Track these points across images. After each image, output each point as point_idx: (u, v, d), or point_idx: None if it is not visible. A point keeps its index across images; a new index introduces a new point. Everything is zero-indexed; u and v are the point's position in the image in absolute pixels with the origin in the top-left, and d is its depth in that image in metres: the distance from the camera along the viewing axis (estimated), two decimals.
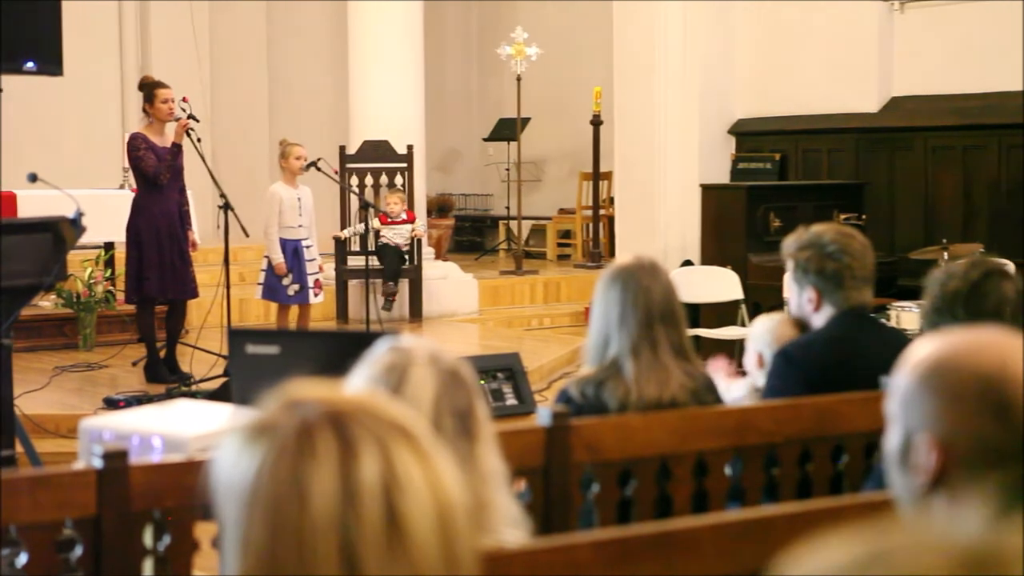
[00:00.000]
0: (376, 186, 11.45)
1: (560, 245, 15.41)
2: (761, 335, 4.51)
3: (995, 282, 2.93)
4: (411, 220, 11.07)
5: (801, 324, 4.20)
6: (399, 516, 1.33)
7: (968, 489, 1.78)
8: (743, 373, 4.56)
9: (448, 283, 11.84)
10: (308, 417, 1.37)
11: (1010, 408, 1.76)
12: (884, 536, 1.09)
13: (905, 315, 8.05)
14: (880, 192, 11.44)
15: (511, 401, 7.46)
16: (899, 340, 4.15)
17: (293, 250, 9.30)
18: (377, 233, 10.95)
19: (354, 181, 11.29)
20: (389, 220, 10.84)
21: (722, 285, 9.95)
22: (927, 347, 1.86)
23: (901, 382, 1.85)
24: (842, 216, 10.40)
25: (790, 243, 4.11)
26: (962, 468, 1.78)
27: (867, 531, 1.11)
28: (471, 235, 16.70)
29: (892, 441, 1.87)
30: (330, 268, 10.66)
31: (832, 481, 3.87)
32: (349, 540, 1.32)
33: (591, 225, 14.20)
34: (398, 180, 11.45)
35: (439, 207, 15.26)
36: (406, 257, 11.07)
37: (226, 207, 8.57)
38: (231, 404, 4.01)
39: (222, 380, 8.05)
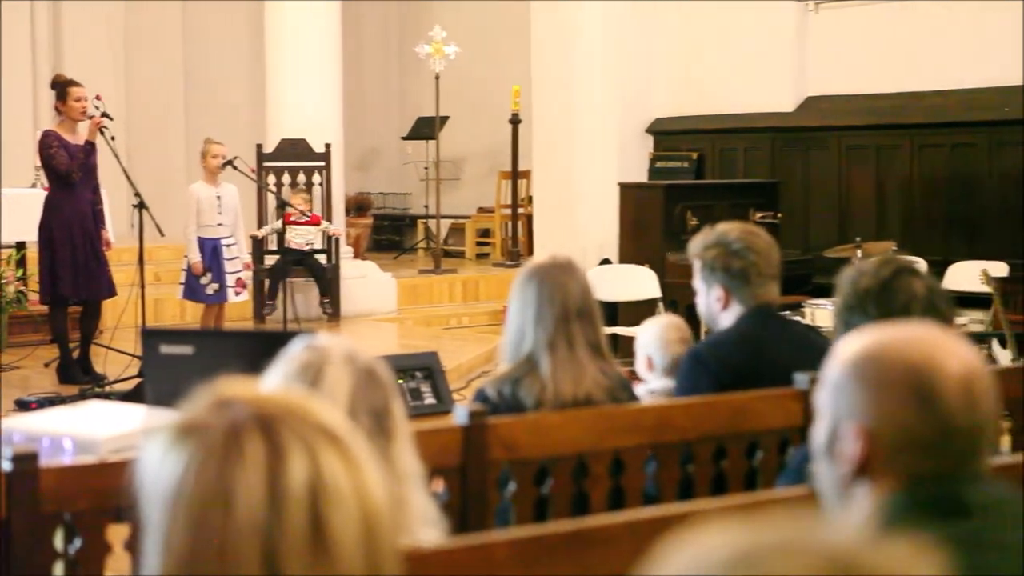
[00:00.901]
0: (294, 184, 11.39)
1: (479, 244, 15.41)
2: (650, 339, 4.55)
3: (905, 280, 2.96)
4: (315, 222, 11.01)
5: (699, 327, 4.24)
6: (324, 522, 1.31)
7: (889, 479, 1.81)
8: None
9: (366, 282, 11.80)
10: (237, 419, 1.35)
11: (935, 399, 1.80)
12: (757, 535, 1.09)
13: (819, 312, 8.14)
14: (795, 191, 11.56)
15: (429, 400, 7.42)
16: (807, 336, 4.20)
17: (212, 249, 9.22)
18: (282, 232, 10.88)
19: (271, 180, 11.22)
20: (292, 221, 10.74)
21: (640, 283, 10.00)
22: (856, 340, 1.89)
23: (830, 373, 1.88)
24: (758, 214, 10.49)
25: (696, 243, 4.13)
26: (886, 457, 1.81)
27: (740, 528, 1.11)
28: (390, 234, 16.66)
29: (820, 431, 1.90)
30: None
31: (746, 477, 3.90)
32: (272, 545, 1.30)
33: (510, 224, 14.21)
34: (316, 179, 11.40)
35: (357, 206, 15.20)
36: (317, 259, 11.03)
37: (140, 206, 8.48)
38: (145, 405, 3.96)
39: (136, 381, 7.95)
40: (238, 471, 1.32)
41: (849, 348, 1.88)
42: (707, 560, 1.09)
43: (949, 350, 1.85)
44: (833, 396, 1.87)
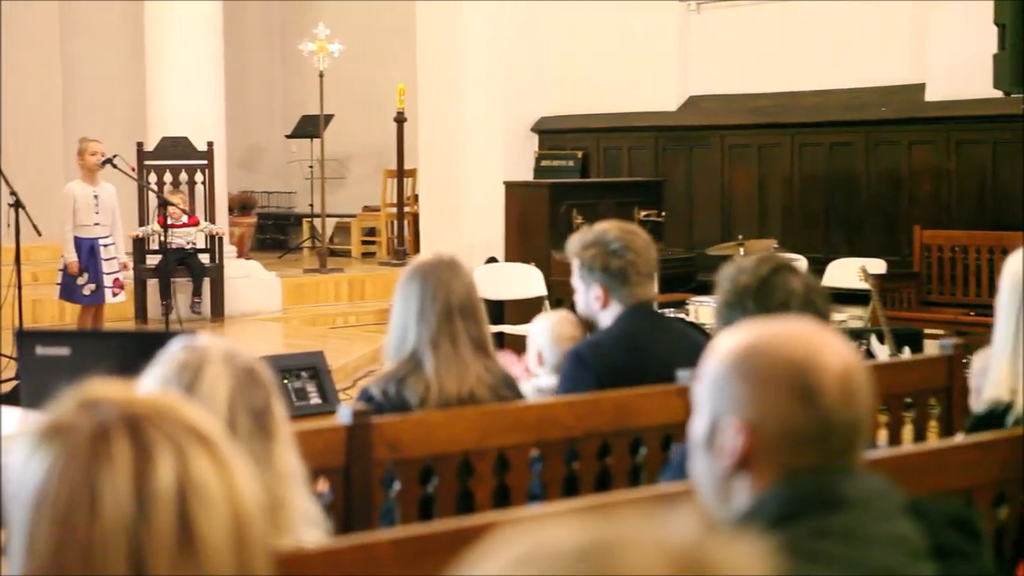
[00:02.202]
0: (176, 183, 11.24)
1: (365, 243, 15.35)
2: (541, 334, 4.57)
3: (783, 277, 3.00)
4: (194, 223, 10.88)
5: (583, 323, 4.26)
6: (192, 523, 1.31)
7: (768, 472, 1.83)
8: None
9: (251, 282, 11.69)
10: (104, 420, 1.34)
11: (816, 393, 1.82)
12: (599, 530, 1.10)
13: (703, 309, 8.22)
14: (679, 189, 11.67)
15: (315, 400, 7.37)
16: (686, 333, 4.24)
17: (89, 249, 9.07)
18: (163, 234, 10.72)
19: (153, 178, 11.06)
20: (169, 222, 10.58)
21: (526, 282, 10.03)
22: (736, 336, 1.91)
23: (711, 368, 1.89)
24: (642, 213, 10.57)
25: (574, 242, 4.16)
26: (766, 451, 1.83)
27: (579, 523, 1.11)
28: (274, 233, 16.52)
29: (699, 426, 1.90)
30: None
31: (631, 474, 3.93)
32: (138, 546, 1.29)
33: (396, 222, 14.17)
34: (198, 177, 11.26)
35: (241, 205, 15.05)
36: (199, 259, 10.90)
37: (17, 205, 8.31)
38: (21, 408, 3.88)
39: (12, 383, 7.79)
40: (104, 472, 1.31)
41: (729, 343, 1.90)
42: (549, 554, 1.09)
43: (828, 346, 1.87)
44: (713, 390, 1.88)
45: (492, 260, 11.11)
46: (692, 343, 3.96)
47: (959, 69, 9.73)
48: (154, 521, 1.30)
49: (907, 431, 4.66)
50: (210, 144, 11.18)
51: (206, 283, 11.05)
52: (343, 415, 3.49)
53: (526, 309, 10.06)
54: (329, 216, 14.25)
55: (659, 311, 4.36)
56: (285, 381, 7.14)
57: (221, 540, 1.31)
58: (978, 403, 3.41)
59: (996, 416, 3.31)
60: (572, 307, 4.48)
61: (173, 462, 1.32)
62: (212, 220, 11.22)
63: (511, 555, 1.10)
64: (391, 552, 2.44)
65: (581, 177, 12.24)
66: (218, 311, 11.06)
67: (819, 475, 1.84)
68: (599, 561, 1.06)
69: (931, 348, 7.54)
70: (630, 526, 1.10)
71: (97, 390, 1.37)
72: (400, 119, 13.76)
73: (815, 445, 1.84)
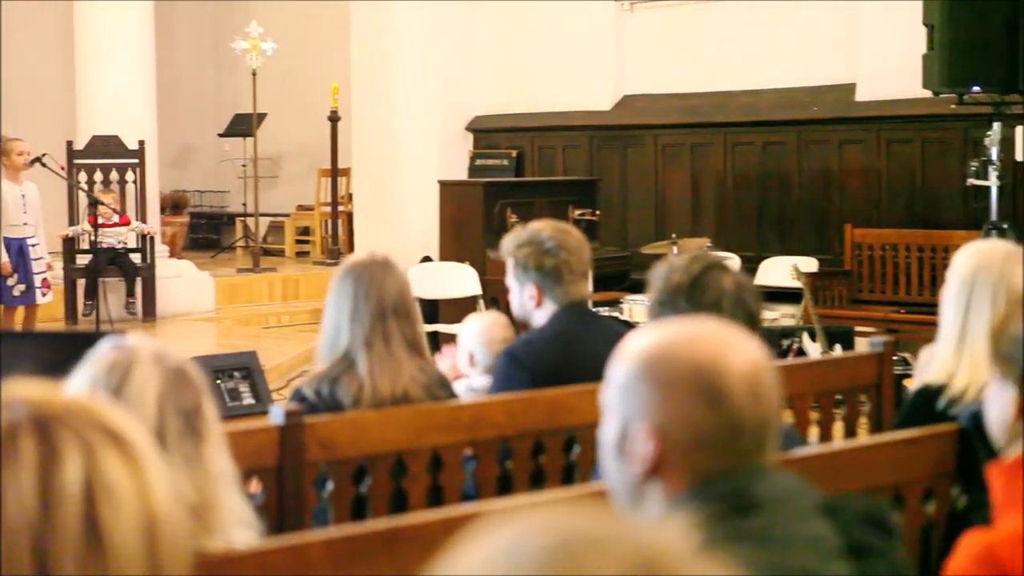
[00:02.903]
0: (106, 182, 11.13)
1: (299, 242, 15.27)
2: (472, 335, 4.58)
3: (715, 275, 3.02)
4: (125, 223, 10.78)
5: (514, 323, 4.27)
6: (99, 523, 1.30)
7: (680, 477, 1.83)
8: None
9: (183, 281, 11.59)
10: (13, 419, 1.32)
11: (723, 396, 1.81)
12: (568, 532, 1.10)
13: (637, 308, 8.26)
14: (613, 188, 11.71)
15: (248, 400, 7.33)
16: (620, 332, 4.25)
17: (18, 249, 8.96)
18: (93, 234, 10.61)
19: (83, 177, 10.94)
20: (99, 222, 10.47)
21: (460, 281, 10.02)
22: (641, 339, 1.89)
23: (618, 373, 1.88)
24: (576, 212, 10.59)
25: (509, 241, 4.16)
26: (677, 456, 1.82)
27: (548, 523, 1.11)
28: (207, 232, 16.39)
29: (608, 431, 1.89)
30: (59, 267, 10.32)
31: (564, 472, 3.94)
32: (43, 545, 1.28)
33: (330, 222, 14.11)
34: (129, 176, 11.16)
35: (173, 204, 14.93)
36: (131, 259, 10.80)
37: None
38: None
39: None
40: (9, 471, 1.30)
41: (635, 347, 1.88)
42: (518, 555, 1.09)
43: (735, 347, 1.86)
44: (622, 396, 1.86)
45: (427, 259, 11.09)
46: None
47: (889, 69, 9.83)
48: (59, 520, 1.29)
49: (837, 428, 4.71)
50: (141, 143, 11.08)
51: (138, 283, 10.94)
52: (275, 415, 3.47)
53: (461, 308, 10.05)
54: (262, 215, 14.17)
55: (593, 310, 4.38)
56: (218, 381, 7.10)
57: (130, 540, 1.31)
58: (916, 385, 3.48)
59: (927, 397, 3.36)
60: (507, 306, 4.49)
61: (81, 461, 1.31)
62: (143, 219, 11.12)
63: (478, 557, 1.10)
64: (323, 553, 2.43)
65: (515, 176, 12.26)
66: (150, 311, 10.96)
67: (731, 478, 1.82)
68: (569, 565, 1.06)
69: (862, 345, 7.62)
70: (594, 528, 1.10)
71: (11, 390, 1.36)
72: (334, 118, 13.70)
73: (725, 447, 1.82)
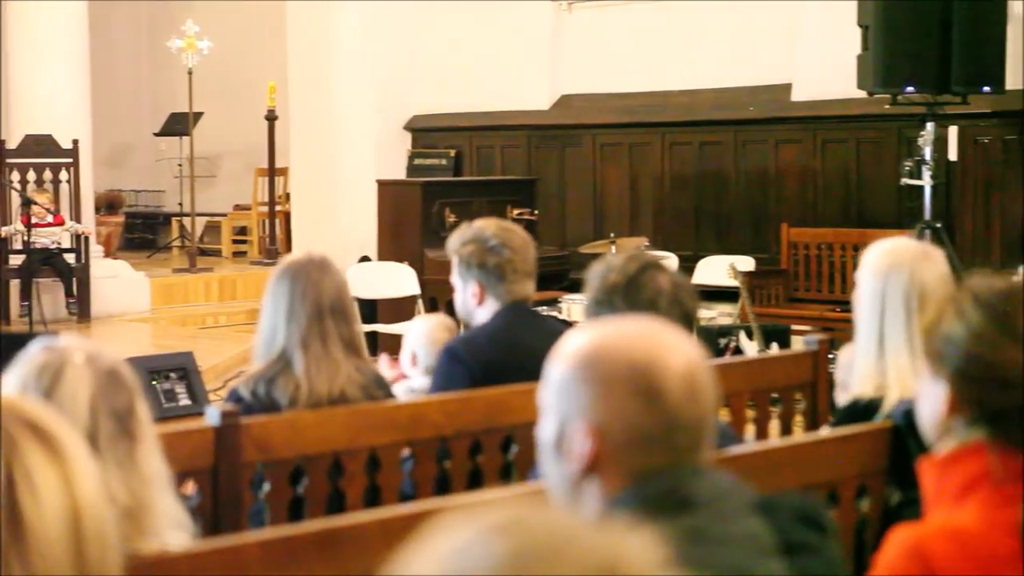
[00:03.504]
0: (40, 182, 11.01)
1: (236, 242, 15.18)
2: (416, 335, 4.59)
3: (651, 275, 3.03)
4: (59, 223, 10.67)
5: (458, 325, 4.27)
6: (21, 514, 1.29)
7: (617, 475, 1.83)
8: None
9: (118, 282, 11.49)
10: None
11: (660, 394, 1.82)
12: (524, 534, 1.10)
13: (575, 307, 8.28)
14: (552, 188, 11.73)
15: (184, 401, 7.29)
16: (560, 331, 4.25)
17: None
18: (26, 234, 10.49)
19: (15, 177, 10.82)
20: (33, 221, 10.34)
21: (399, 281, 10.00)
22: (579, 338, 1.89)
23: (555, 372, 1.88)
24: (515, 211, 10.60)
25: (454, 239, 4.18)
26: (614, 454, 1.82)
27: (503, 525, 1.11)
28: (143, 232, 16.25)
29: (547, 430, 1.89)
30: None
31: (502, 471, 3.94)
32: None
33: (267, 221, 14.04)
34: (63, 175, 11.04)
35: (108, 203, 14.79)
36: (65, 259, 10.69)
37: None
38: None
39: None
40: None
41: (573, 346, 1.88)
42: (476, 557, 1.09)
43: (671, 345, 1.86)
44: (559, 394, 1.86)
45: (365, 259, 11.06)
46: None
47: (824, 70, 9.91)
48: None
49: (773, 426, 4.74)
50: (75, 142, 10.97)
51: (72, 283, 10.84)
52: (211, 416, 3.45)
53: (399, 308, 10.04)
54: (199, 215, 14.07)
55: (534, 309, 4.39)
56: (154, 382, 7.05)
57: (54, 532, 1.31)
58: (843, 397, 3.48)
59: (859, 410, 3.38)
60: (447, 305, 4.49)
61: (3, 452, 1.30)
62: (78, 219, 11.02)
63: (435, 558, 1.10)
64: (258, 554, 2.42)
65: (454, 176, 12.24)
66: (84, 312, 10.86)
67: (667, 476, 1.83)
68: (525, 567, 1.06)
69: (798, 344, 7.67)
70: (550, 530, 1.10)
71: None
72: (271, 117, 13.62)
73: (662, 446, 1.83)
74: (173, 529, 2.42)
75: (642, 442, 1.82)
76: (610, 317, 2.84)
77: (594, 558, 1.08)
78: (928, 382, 2.23)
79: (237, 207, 15.36)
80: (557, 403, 1.86)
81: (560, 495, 1.89)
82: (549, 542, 1.09)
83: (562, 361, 1.87)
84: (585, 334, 1.90)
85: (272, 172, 13.80)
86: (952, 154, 8.88)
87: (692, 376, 1.84)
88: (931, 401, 2.22)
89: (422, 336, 4.60)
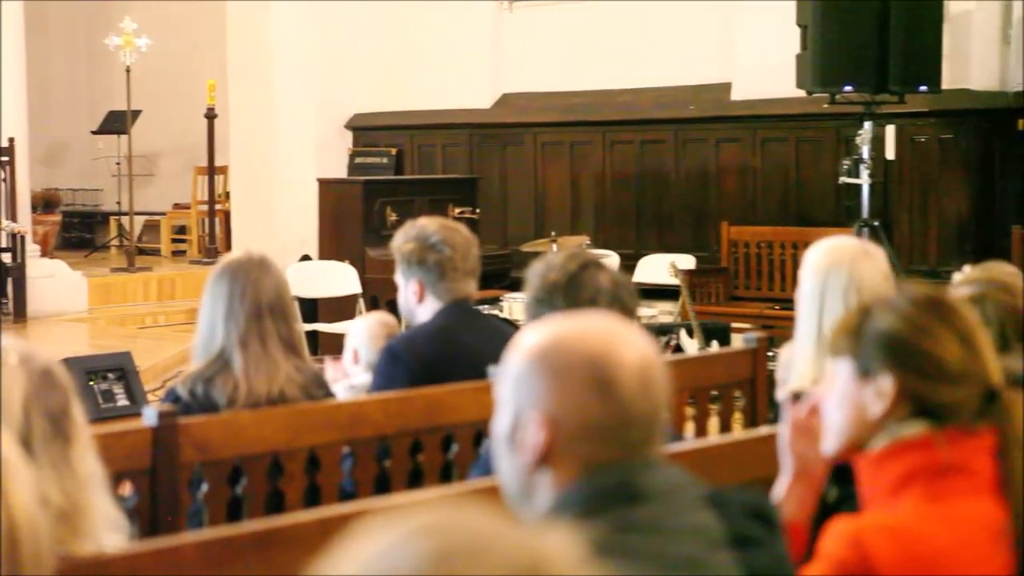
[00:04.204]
0: None
1: (175, 241, 15.07)
2: (358, 332, 4.58)
3: (591, 273, 3.03)
4: None
5: (401, 323, 4.27)
6: None
7: (570, 467, 1.84)
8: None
9: (55, 281, 11.36)
10: None
11: (614, 387, 1.83)
12: (448, 534, 1.10)
13: (516, 306, 8.27)
14: (493, 186, 11.73)
15: (123, 402, 7.22)
16: (501, 330, 4.26)
17: None
18: None
19: None
20: None
21: (340, 279, 9.95)
22: (536, 332, 1.91)
23: (512, 364, 1.89)
24: (457, 210, 10.59)
25: (397, 237, 4.18)
26: (567, 445, 1.83)
27: (427, 525, 1.11)
28: (80, 231, 16.10)
29: (502, 422, 1.90)
30: None
31: (442, 470, 3.93)
32: None
33: (207, 220, 13.94)
34: None
35: (45, 202, 14.64)
36: (1, 259, 10.57)
37: None
38: None
39: None
40: None
41: (529, 339, 1.90)
42: (399, 558, 1.08)
43: (626, 340, 1.88)
44: (515, 387, 1.88)
45: (306, 258, 11.01)
46: (506, 339, 3.96)
47: (764, 69, 9.97)
48: None
49: (713, 423, 4.76)
50: (11, 140, 10.84)
51: (8, 283, 10.71)
52: (148, 417, 3.42)
53: (340, 307, 10.00)
54: (137, 214, 13.94)
55: (475, 308, 4.39)
56: (91, 383, 6.98)
57: None
58: (782, 393, 3.50)
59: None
60: (389, 304, 4.48)
61: None
62: (14, 218, 10.88)
63: (359, 559, 1.09)
64: (196, 555, 2.40)
65: (395, 174, 12.22)
66: (20, 312, 10.73)
67: (619, 469, 1.84)
68: (448, 568, 1.06)
69: (738, 342, 7.72)
70: (474, 529, 1.10)
71: None
72: (211, 115, 13.52)
73: (614, 438, 1.85)
74: (109, 531, 2.39)
75: (595, 434, 1.84)
76: (550, 316, 2.85)
77: (517, 558, 1.08)
78: (853, 383, 2.24)
79: (176, 206, 15.25)
80: (513, 395, 1.88)
81: (512, 488, 1.90)
82: (472, 542, 1.09)
83: (519, 355, 1.89)
84: (543, 329, 1.91)
85: (212, 170, 13.71)
86: (890, 153, 8.96)
87: (646, 370, 1.86)
88: (857, 402, 2.24)
89: (363, 333, 4.59)
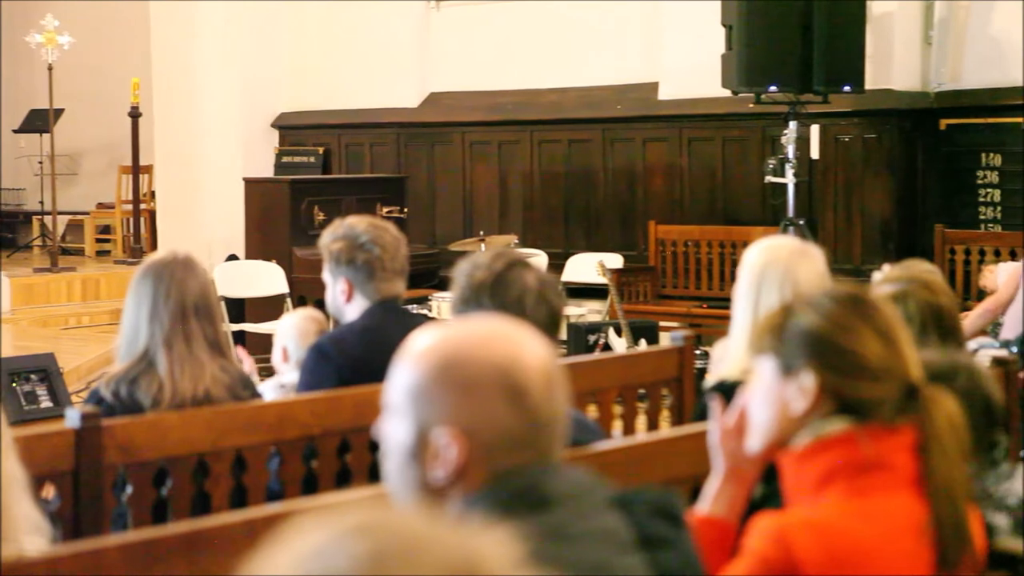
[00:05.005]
0: None
1: (99, 241, 14.91)
2: (287, 329, 4.56)
3: (517, 273, 3.03)
4: None
5: (329, 320, 4.25)
6: None
7: (479, 477, 1.81)
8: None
9: None
10: None
11: (524, 394, 1.80)
12: (380, 535, 1.09)
13: (445, 305, 8.27)
14: (421, 185, 11.71)
15: (46, 404, 7.14)
16: None
17: None
18: None
19: None
20: None
21: (267, 279, 9.90)
22: (429, 340, 1.85)
23: (408, 375, 1.83)
24: (385, 209, 10.56)
25: (325, 236, 4.17)
26: (481, 457, 1.80)
27: (359, 526, 1.10)
28: (2, 231, 15.86)
29: (399, 435, 1.84)
30: None
31: (370, 470, 3.92)
32: None
33: (131, 220, 13.81)
34: None
35: None
36: None
37: None
38: None
39: None
40: None
41: (422, 349, 1.83)
42: (330, 559, 1.07)
43: (526, 344, 1.85)
44: (417, 400, 1.81)
45: (232, 258, 10.94)
46: None
47: (690, 69, 10.03)
48: None
49: (641, 422, 4.79)
50: None
51: None
52: (71, 418, 3.38)
53: (268, 307, 9.94)
54: (61, 213, 13.77)
55: (403, 307, 4.38)
56: (14, 384, 6.90)
57: None
58: (711, 380, 3.53)
59: (724, 390, 3.43)
60: (316, 304, 4.46)
61: None
62: None
63: (289, 559, 1.08)
64: (119, 557, 2.37)
65: (323, 173, 12.16)
66: None
67: (524, 475, 1.81)
68: (380, 569, 1.05)
69: (666, 340, 7.76)
70: (405, 530, 1.09)
71: None
72: (135, 114, 13.39)
73: (527, 445, 1.81)
74: (30, 534, 2.37)
75: (509, 443, 1.80)
76: (477, 315, 2.85)
77: (453, 558, 1.08)
78: (776, 381, 2.26)
79: (100, 205, 15.09)
80: (413, 407, 1.81)
81: (409, 498, 1.85)
82: (407, 543, 1.08)
83: (415, 364, 1.82)
84: (433, 336, 1.85)
85: (136, 170, 13.57)
86: (814, 152, 9.04)
87: (549, 374, 1.83)
88: (780, 399, 2.26)
89: (292, 330, 4.57)
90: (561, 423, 1.86)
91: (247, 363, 4.27)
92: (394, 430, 1.85)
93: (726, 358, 3.52)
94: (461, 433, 1.79)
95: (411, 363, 1.83)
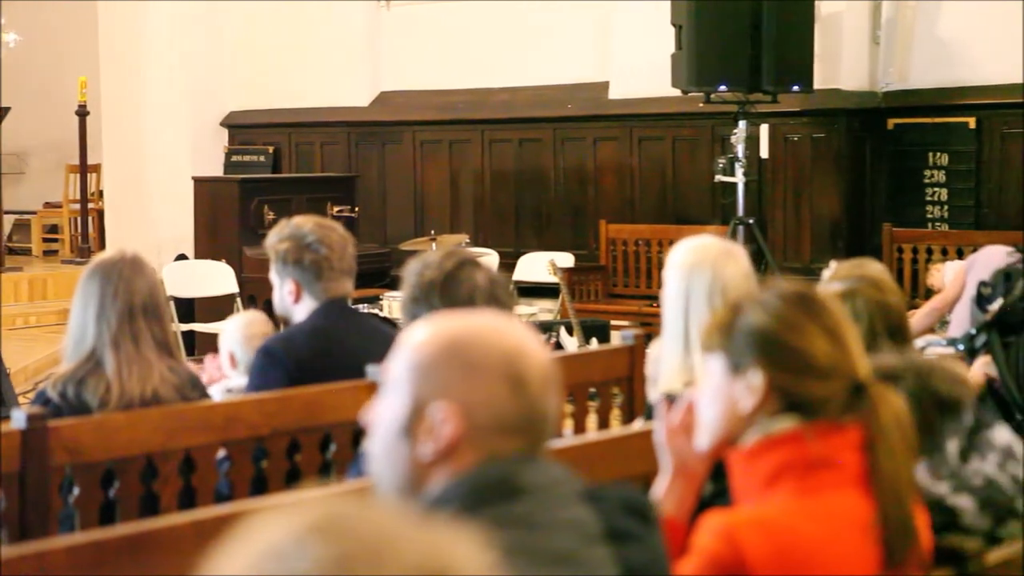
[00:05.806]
0: None
1: (46, 240, 14.78)
2: (232, 334, 4.51)
3: (467, 271, 3.04)
4: None
5: (275, 322, 4.23)
6: None
7: (472, 461, 1.84)
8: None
9: None
10: None
11: (525, 383, 1.85)
12: (345, 535, 1.08)
13: (396, 304, 8.25)
14: (372, 185, 11.69)
15: None
16: (379, 329, 4.25)
17: None
18: None
19: None
20: None
21: (217, 279, 9.85)
22: (439, 325, 1.90)
23: (414, 354, 1.87)
24: (335, 208, 10.53)
25: (271, 236, 4.15)
26: (474, 438, 1.84)
27: (321, 525, 1.09)
28: None
29: (394, 408, 1.87)
30: None
31: (321, 470, 3.91)
32: None
33: (79, 219, 13.69)
34: None
35: None
36: None
37: None
38: None
39: None
40: None
41: (432, 333, 1.89)
42: (293, 560, 1.06)
43: (530, 340, 1.91)
44: (418, 376, 1.85)
45: (182, 257, 10.87)
46: (384, 338, 3.96)
47: (640, 68, 10.05)
48: None
49: (591, 420, 4.79)
50: None
51: None
52: (17, 420, 3.35)
53: (217, 307, 9.88)
54: (7, 213, 13.64)
55: (352, 307, 4.36)
56: None
57: None
58: (654, 392, 3.53)
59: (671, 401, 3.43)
60: (266, 303, 4.44)
61: None
62: None
63: (247, 560, 1.07)
64: (66, 560, 2.36)
65: (272, 172, 12.11)
66: None
67: (505, 464, 1.85)
68: (346, 569, 1.04)
69: (617, 339, 7.78)
70: (371, 529, 1.08)
71: None
72: (82, 112, 13.27)
73: (519, 433, 1.86)
74: None
75: (502, 429, 1.85)
76: (428, 314, 2.85)
77: (422, 560, 1.07)
78: (724, 379, 2.27)
79: (47, 205, 14.96)
80: (414, 384, 1.86)
81: (395, 480, 1.88)
82: (373, 544, 1.07)
83: (422, 344, 1.88)
84: (445, 322, 1.91)
85: (84, 169, 13.45)
86: (764, 152, 9.10)
87: (547, 368, 1.90)
88: (728, 397, 2.27)
89: (237, 334, 4.53)
90: (552, 421, 1.91)
91: (211, 367, 4.26)
92: (388, 405, 1.89)
93: (661, 366, 3.49)
94: (459, 410, 1.83)
95: (417, 343, 1.88)
